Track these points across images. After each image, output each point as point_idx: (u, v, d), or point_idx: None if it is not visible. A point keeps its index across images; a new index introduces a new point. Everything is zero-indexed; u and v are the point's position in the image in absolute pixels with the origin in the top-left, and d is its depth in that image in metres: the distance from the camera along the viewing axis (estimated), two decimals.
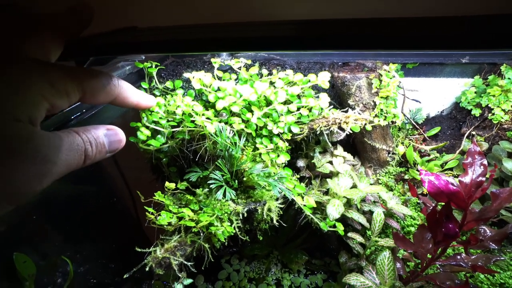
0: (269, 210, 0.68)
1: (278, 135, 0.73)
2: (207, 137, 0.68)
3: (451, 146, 0.93)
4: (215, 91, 0.71)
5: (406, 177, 0.93)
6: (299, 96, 0.74)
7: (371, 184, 0.83)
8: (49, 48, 0.41)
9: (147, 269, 0.61)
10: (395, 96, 0.82)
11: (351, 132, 0.77)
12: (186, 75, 0.72)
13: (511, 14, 0.34)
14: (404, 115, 0.90)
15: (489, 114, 0.86)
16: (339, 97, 0.83)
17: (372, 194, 0.85)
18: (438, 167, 0.89)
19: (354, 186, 0.80)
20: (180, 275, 0.62)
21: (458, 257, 0.63)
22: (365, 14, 0.41)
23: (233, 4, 0.54)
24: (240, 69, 0.73)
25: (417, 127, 0.96)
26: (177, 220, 0.64)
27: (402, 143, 0.94)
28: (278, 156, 0.73)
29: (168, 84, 0.75)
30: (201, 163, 0.74)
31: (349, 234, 0.78)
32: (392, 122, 0.84)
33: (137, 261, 0.62)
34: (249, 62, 0.77)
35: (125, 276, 0.62)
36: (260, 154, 0.71)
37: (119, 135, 0.48)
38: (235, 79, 0.75)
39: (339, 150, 0.86)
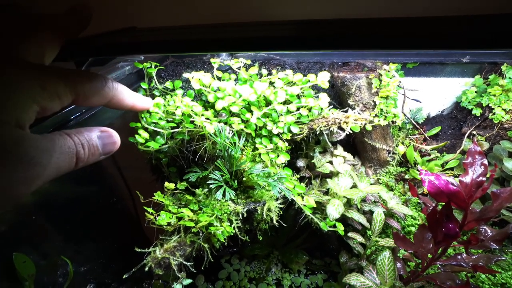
0: (269, 210, 0.68)
1: (277, 135, 0.73)
2: (207, 137, 0.68)
3: (452, 146, 0.93)
4: (215, 91, 0.71)
5: (406, 177, 0.93)
6: (298, 96, 0.74)
7: (371, 184, 0.83)
8: (47, 48, 0.41)
9: (146, 269, 0.61)
10: (395, 96, 0.81)
11: (351, 132, 0.76)
12: (185, 75, 0.72)
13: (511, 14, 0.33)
14: (405, 115, 0.89)
15: (490, 114, 0.85)
16: (339, 97, 0.83)
17: (373, 194, 0.85)
18: (439, 167, 0.89)
19: (354, 186, 0.80)
20: (179, 275, 0.62)
21: (459, 257, 0.63)
22: (365, 14, 0.41)
23: (233, 4, 0.53)
24: (239, 69, 0.73)
25: (418, 126, 0.96)
26: (177, 220, 0.64)
27: (403, 143, 0.94)
28: (278, 156, 0.72)
29: (168, 84, 0.75)
30: (201, 163, 0.74)
31: (350, 234, 0.78)
32: (392, 122, 0.84)
33: (136, 261, 0.62)
34: (249, 62, 0.77)
35: (124, 276, 0.62)
36: (259, 154, 0.71)
37: (114, 137, 0.47)
38: (235, 79, 0.75)
39: (339, 150, 0.86)
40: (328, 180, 0.79)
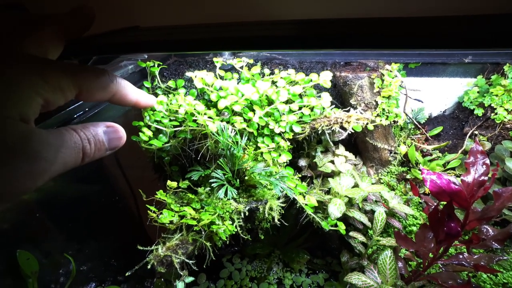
0: (271, 209, 0.68)
1: (279, 134, 0.73)
2: (209, 136, 0.68)
3: (454, 146, 0.93)
4: (217, 90, 0.71)
5: (408, 176, 0.93)
6: (301, 96, 0.74)
7: (372, 184, 0.83)
8: (49, 47, 0.41)
9: (149, 267, 0.61)
10: (397, 95, 0.81)
11: (353, 131, 0.76)
12: (188, 74, 0.73)
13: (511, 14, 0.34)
14: (406, 114, 0.89)
15: (492, 114, 0.85)
16: (341, 97, 0.83)
17: (374, 193, 0.85)
18: (440, 166, 0.89)
19: (356, 186, 0.80)
20: (181, 273, 0.62)
21: (461, 256, 0.63)
22: (366, 14, 0.41)
23: (236, 4, 0.54)
24: (242, 69, 0.74)
25: (419, 126, 0.96)
26: (179, 219, 0.64)
27: (404, 142, 0.94)
28: (280, 155, 0.73)
29: (171, 83, 0.75)
30: (203, 162, 0.74)
31: (351, 233, 0.78)
32: (394, 121, 0.84)
33: (139, 259, 0.62)
34: (251, 61, 0.77)
35: (127, 274, 0.63)
36: (261, 153, 0.71)
37: (119, 133, 0.47)
38: (237, 79, 0.75)
39: (341, 150, 0.86)
40: (329, 179, 0.79)
